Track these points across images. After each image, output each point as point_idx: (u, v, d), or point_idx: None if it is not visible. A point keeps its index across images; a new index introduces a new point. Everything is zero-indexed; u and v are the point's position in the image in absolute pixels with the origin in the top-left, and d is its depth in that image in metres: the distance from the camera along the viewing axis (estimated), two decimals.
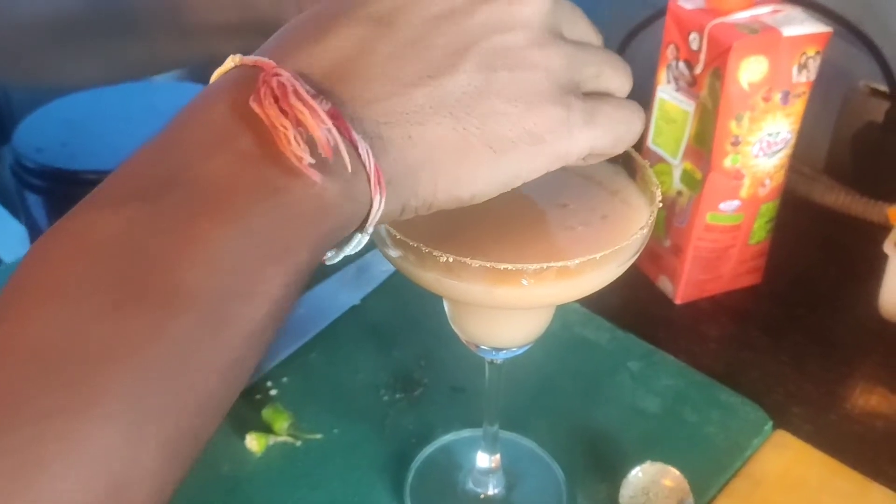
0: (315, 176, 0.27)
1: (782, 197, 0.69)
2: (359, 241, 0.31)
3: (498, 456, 0.52)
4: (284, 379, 0.60)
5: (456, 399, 0.59)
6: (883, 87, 0.80)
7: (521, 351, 0.45)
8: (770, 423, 0.58)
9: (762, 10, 0.62)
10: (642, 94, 0.64)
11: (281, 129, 0.27)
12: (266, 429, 0.56)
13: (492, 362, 0.46)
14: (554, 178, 0.43)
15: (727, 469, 0.55)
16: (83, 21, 0.59)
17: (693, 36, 0.63)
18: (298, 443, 0.55)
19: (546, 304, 0.41)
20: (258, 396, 0.59)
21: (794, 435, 0.58)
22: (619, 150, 0.35)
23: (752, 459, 0.56)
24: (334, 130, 0.27)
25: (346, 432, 0.56)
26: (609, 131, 0.33)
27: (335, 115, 0.28)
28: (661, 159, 0.69)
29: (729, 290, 0.72)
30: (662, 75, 0.67)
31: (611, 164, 0.43)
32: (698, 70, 0.63)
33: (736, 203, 0.66)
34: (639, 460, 0.53)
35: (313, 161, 0.27)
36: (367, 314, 0.66)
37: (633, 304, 0.73)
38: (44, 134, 0.68)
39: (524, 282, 0.36)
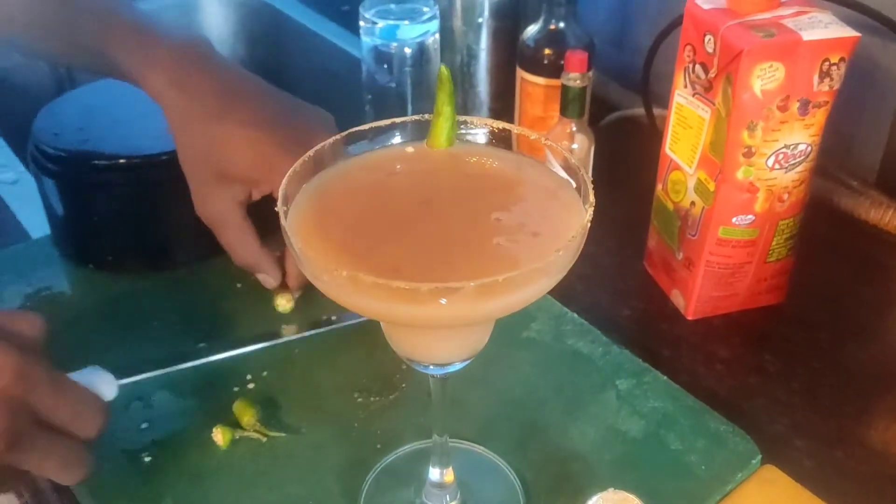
0: None
1: (821, 212, 0.64)
2: None
3: (450, 469, 0.50)
4: (264, 373, 0.60)
5: (430, 406, 0.58)
6: None
7: (458, 367, 0.43)
8: (759, 457, 0.54)
9: (785, 12, 0.58)
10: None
11: None
12: (235, 423, 0.56)
13: (434, 377, 0.45)
14: (497, 187, 0.41)
15: (703, 503, 0.51)
16: None
17: (708, 38, 0.59)
18: (264, 439, 0.55)
19: (465, 324, 0.39)
20: (236, 388, 0.59)
21: (792, 471, 0.54)
22: None
23: (733, 494, 0.52)
24: None
25: (312, 432, 0.56)
26: None
27: None
28: (677, 167, 0.66)
29: (746, 308, 0.68)
30: (680, 78, 0.64)
31: (568, 175, 0.41)
32: (713, 74, 0.59)
33: (750, 218, 0.62)
34: (608, 485, 0.51)
35: None
36: (357, 315, 0.65)
37: (643, 317, 0.69)
38: (63, 119, 0.70)
39: (442, 300, 0.34)
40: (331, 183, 0.41)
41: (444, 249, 0.37)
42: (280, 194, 0.38)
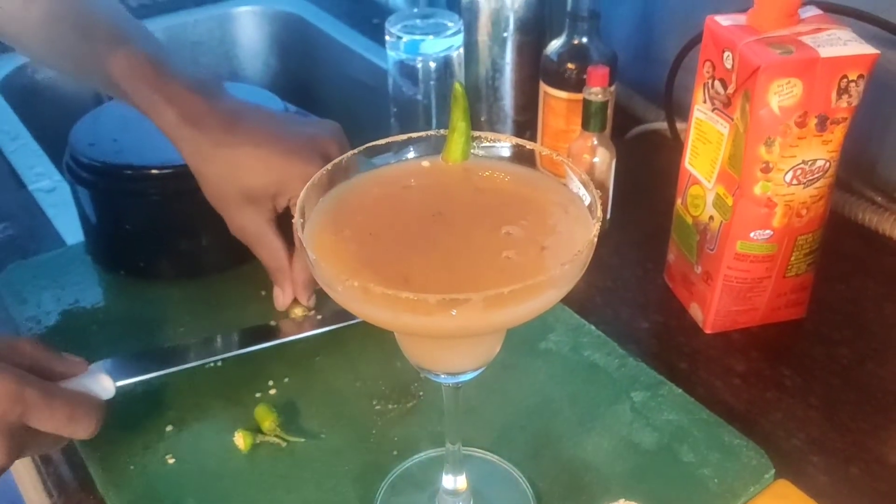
0: None
1: (845, 227, 0.64)
2: None
3: (463, 477, 0.51)
4: (286, 379, 0.62)
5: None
6: None
7: (470, 376, 0.44)
8: (772, 472, 0.54)
9: (804, 29, 0.58)
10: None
11: None
12: (256, 428, 0.57)
13: (447, 385, 0.46)
14: (509, 201, 0.42)
15: None
16: None
17: (727, 54, 0.60)
18: (284, 444, 0.57)
19: (472, 334, 0.40)
20: (258, 394, 0.60)
21: (807, 486, 0.54)
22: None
23: None
24: None
25: (331, 438, 0.57)
26: None
27: None
28: (696, 181, 0.66)
29: (766, 323, 0.68)
30: (699, 94, 0.64)
31: (581, 189, 0.42)
32: (731, 90, 0.60)
33: (768, 233, 0.62)
34: (620, 496, 0.52)
35: None
36: None
37: (662, 330, 0.70)
38: (98, 130, 0.73)
39: (453, 312, 0.35)
40: (347, 196, 0.42)
41: (454, 262, 0.38)
42: (297, 207, 0.39)
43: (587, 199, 0.41)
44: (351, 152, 0.43)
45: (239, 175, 0.60)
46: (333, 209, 0.41)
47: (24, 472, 0.79)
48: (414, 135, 0.44)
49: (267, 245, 0.63)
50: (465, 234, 0.40)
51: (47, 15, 0.62)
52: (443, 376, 0.44)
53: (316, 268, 0.37)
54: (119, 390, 0.53)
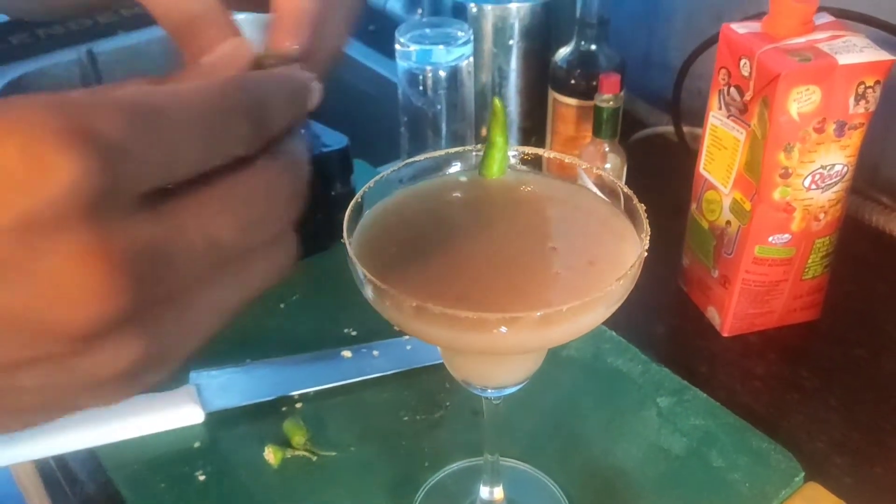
0: None
1: (854, 229, 0.65)
2: None
3: (500, 488, 0.51)
4: (312, 393, 0.61)
5: (476, 424, 0.59)
6: None
7: (513, 389, 0.44)
8: (802, 475, 0.55)
9: (820, 36, 0.59)
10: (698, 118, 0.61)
11: None
12: (285, 442, 0.57)
13: (487, 399, 0.46)
14: (550, 216, 0.42)
15: None
16: None
17: (744, 62, 0.60)
18: (315, 458, 0.57)
19: (526, 351, 0.40)
20: (284, 409, 0.60)
21: (832, 487, 0.55)
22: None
23: None
24: None
25: (361, 451, 0.57)
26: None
27: None
28: (711, 186, 0.67)
29: (782, 325, 0.69)
30: (714, 100, 0.65)
31: (614, 203, 0.42)
32: (748, 97, 0.61)
33: (786, 237, 0.63)
34: (654, 502, 0.52)
35: None
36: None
37: (679, 334, 0.70)
38: None
39: (503, 329, 0.35)
40: (386, 213, 0.42)
41: (507, 279, 0.38)
42: (345, 227, 0.39)
43: (625, 210, 0.42)
44: (390, 170, 0.43)
45: None
46: (374, 227, 0.41)
47: (34, 493, 0.78)
48: (451, 150, 0.45)
49: None
50: (513, 249, 0.40)
51: None
52: (489, 391, 0.44)
53: (368, 287, 0.37)
54: None
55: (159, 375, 0.25)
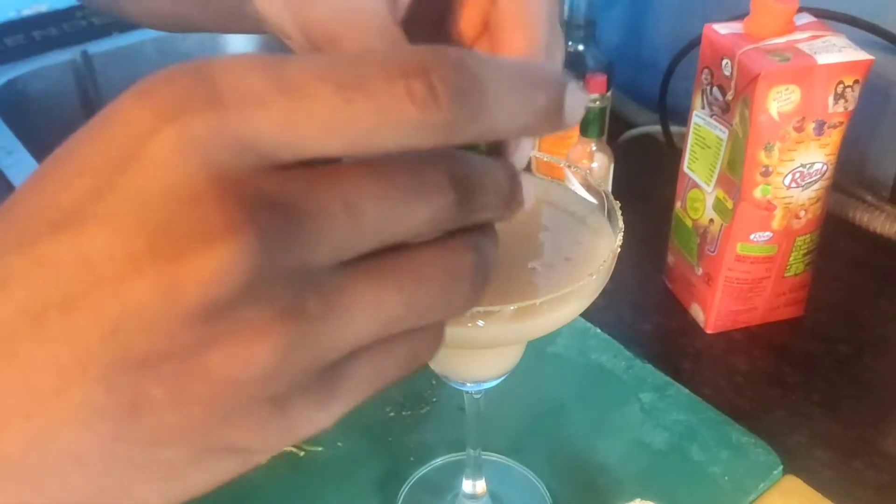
0: None
1: (838, 226, 0.66)
2: None
3: (482, 481, 0.52)
4: None
5: (462, 419, 0.60)
6: None
7: (492, 384, 0.45)
8: (780, 468, 0.56)
9: (800, 36, 0.60)
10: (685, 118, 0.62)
11: None
12: None
13: (468, 393, 0.47)
14: (529, 213, 0.43)
15: None
16: None
17: (725, 62, 0.61)
18: (301, 454, 0.57)
19: (503, 344, 0.41)
20: None
21: (812, 481, 0.55)
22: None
23: None
24: None
25: (348, 446, 0.58)
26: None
27: None
28: (695, 185, 0.68)
29: (766, 322, 0.70)
30: (698, 100, 0.66)
31: (595, 199, 0.43)
32: (730, 97, 0.61)
33: (768, 234, 0.64)
34: (634, 496, 0.53)
35: None
36: None
37: (663, 331, 0.71)
38: None
39: (479, 323, 0.36)
40: None
41: None
42: None
43: (601, 208, 0.42)
44: None
45: None
46: None
47: None
48: None
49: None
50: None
51: None
52: (467, 385, 0.45)
53: None
54: None
55: (317, 420, 0.22)
